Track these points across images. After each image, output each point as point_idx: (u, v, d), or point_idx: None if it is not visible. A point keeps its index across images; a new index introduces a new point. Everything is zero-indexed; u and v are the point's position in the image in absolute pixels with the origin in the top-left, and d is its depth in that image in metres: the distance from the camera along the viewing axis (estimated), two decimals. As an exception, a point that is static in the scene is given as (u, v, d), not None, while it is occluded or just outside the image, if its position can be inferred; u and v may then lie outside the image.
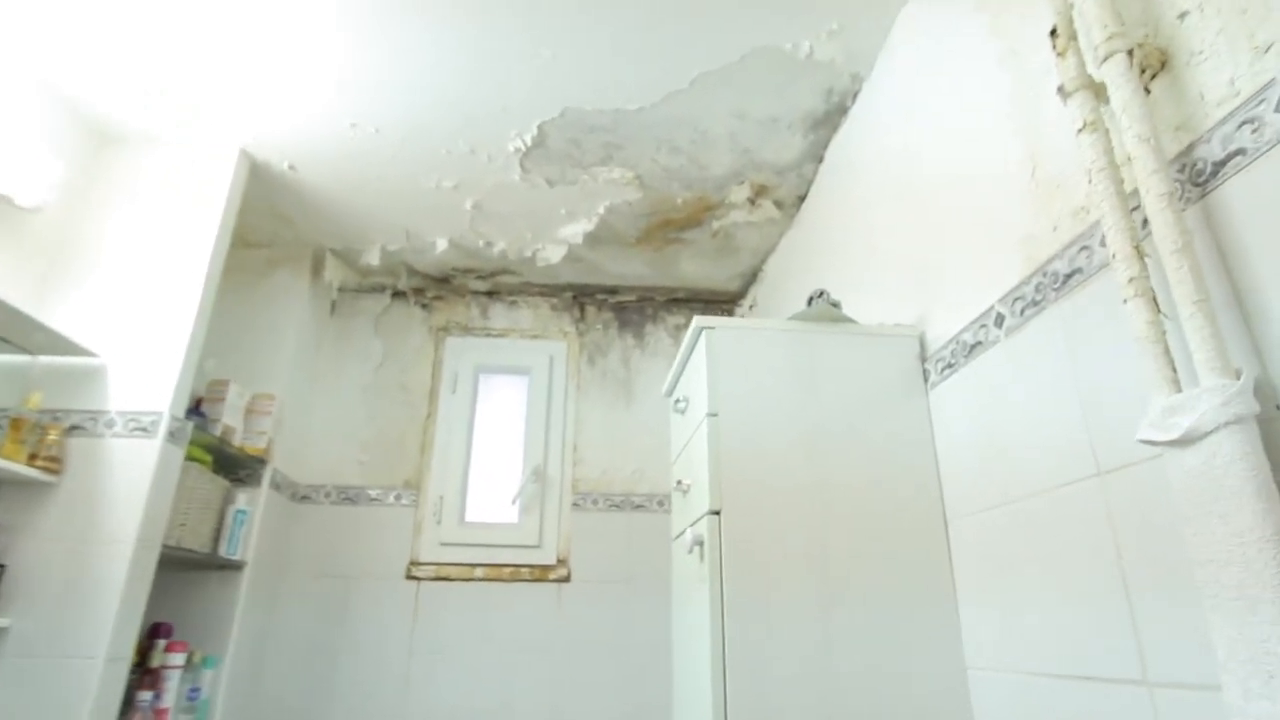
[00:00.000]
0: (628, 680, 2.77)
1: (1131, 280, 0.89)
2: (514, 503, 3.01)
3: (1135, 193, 0.95)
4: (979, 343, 1.37)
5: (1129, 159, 0.93)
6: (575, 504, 3.03)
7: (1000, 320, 1.30)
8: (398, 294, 3.35)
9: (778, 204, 2.67)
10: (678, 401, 1.76)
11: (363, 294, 3.33)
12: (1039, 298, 1.19)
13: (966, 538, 1.38)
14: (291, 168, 2.46)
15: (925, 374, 1.57)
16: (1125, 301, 0.90)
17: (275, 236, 2.91)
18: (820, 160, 2.42)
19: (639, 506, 3.04)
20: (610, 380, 3.28)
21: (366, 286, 3.30)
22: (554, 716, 2.73)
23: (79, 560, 1.84)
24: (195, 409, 2.38)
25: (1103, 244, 1.04)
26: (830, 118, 2.23)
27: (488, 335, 3.33)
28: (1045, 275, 1.18)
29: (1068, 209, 1.15)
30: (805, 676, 1.30)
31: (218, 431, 2.40)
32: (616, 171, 2.48)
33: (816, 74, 2.06)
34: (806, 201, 2.62)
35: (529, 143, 2.33)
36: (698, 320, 1.58)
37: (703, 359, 1.56)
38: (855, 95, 2.13)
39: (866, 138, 2.07)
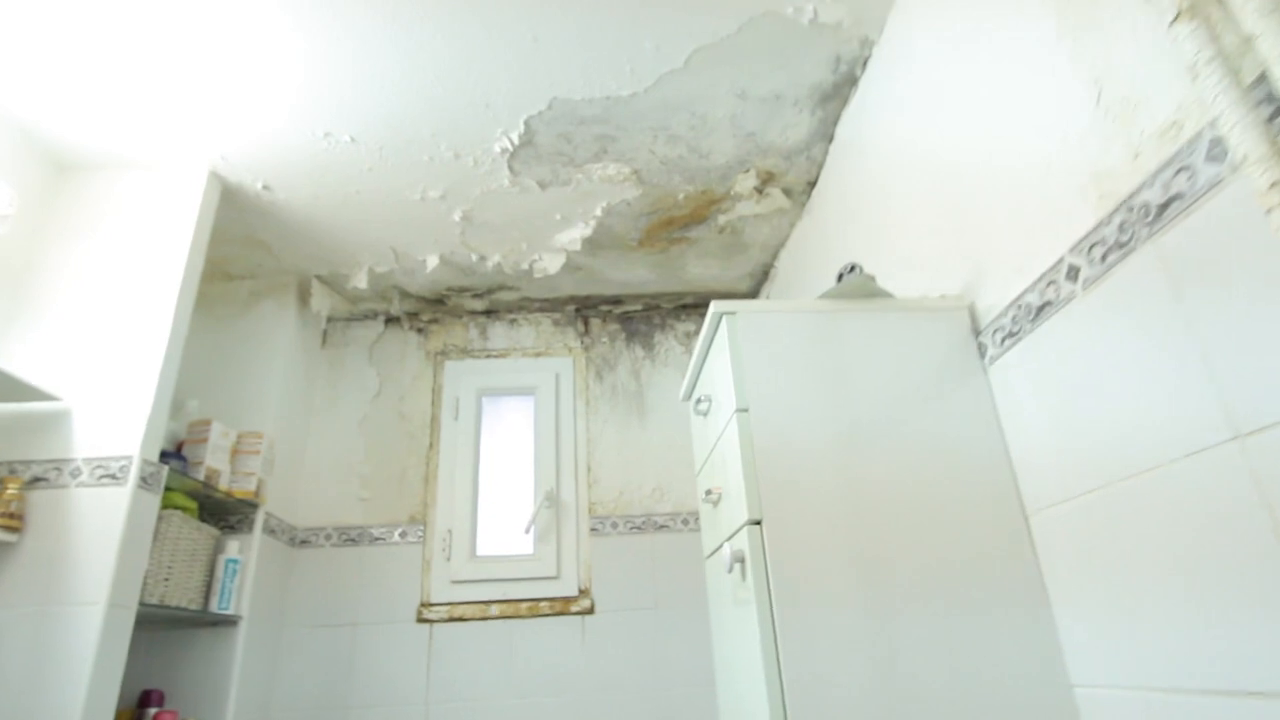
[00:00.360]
0: (665, 717, 2.54)
1: (1275, 184, 0.70)
2: (527, 531, 2.81)
3: (1261, 81, 0.76)
4: (1047, 303, 1.18)
5: (1249, 40, 0.75)
6: (594, 529, 2.82)
7: (1074, 273, 1.11)
8: (391, 320, 3.18)
9: (787, 191, 2.50)
10: (699, 402, 1.57)
11: (354, 322, 3.16)
12: (1125, 239, 1.01)
13: (1054, 532, 1.17)
14: (266, 188, 2.31)
15: (981, 348, 1.38)
16: (1269, 212, 0.71)
17: (257, 266, 2.75)
18: (830, 139, 2.25)
19: (662, 527, 2.83)
20: (621, 395, 3.10)
21: (358, 314, 3.14)
22: (585, 763, 2.50)
23: (45, 627, 1.64)
24: (175, 452, 2.20)
25: (1210, 159, 0.85)
26: (839, 89, 2.06)
27: (488, 356, 3.15)
28: (1131, 211, 1.00)
29: (1152, 129, 0.97)
30: (875, 697, 1.09)
31: (201, 475, 2.22)
32: (612, 167, 2.32)
33: (822, 40, 1.90)
34: (818, 186, 2.45)
35: (516, 141, 2.17)
36: (716, 306, 1.40)
37: (725, 349, 1.37)
38: (865, 62, 1.96)
39: (882, 104, 1.90)
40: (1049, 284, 1.17)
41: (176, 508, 2.16)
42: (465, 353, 3.15)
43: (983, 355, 1.37)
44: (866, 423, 1.31)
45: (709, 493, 1.47)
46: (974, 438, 1.30)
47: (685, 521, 2.84)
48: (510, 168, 2.28)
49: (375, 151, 2.18)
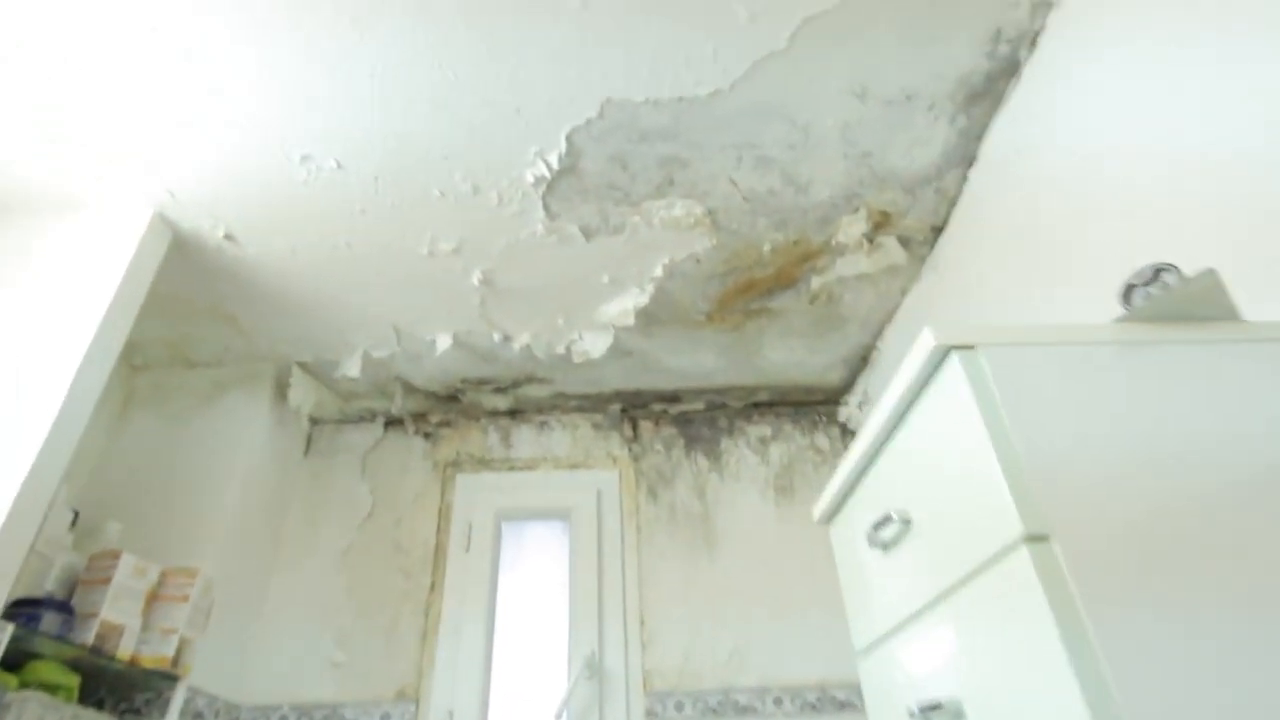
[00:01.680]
0: None
1: None
2: (560, 717, 2.00)
3: None
4: None
5: None
6: (650, 713, 2.00)
7: None
8: (392, 422, 2.55)
9: (904, 241, 1.90)
10: (879, 527, 0.87)
11: (347, 425, 2.54)
12: None
13: None
14: (229, 238, 1.77)
15: None
16: None
17: (224, 350, 2.18)
18: (972, 161, 1.67)
19: (745, 709, 2.01)
20: (682, 519, 2.37)
21: (351, 414, 2.52)
22: None
23: None
24: (60, 602, 1.52)
25: None
26: (993, 84, 1.50)
27: (511, 469, 2.47)
28: None
29: None
30: None
31: (90, 635, 1.52)
32: (680, 205, 1.75)
33: (977, 9, 1.36)
34: (947, 232, 1.85)
35: (555, 166, 1.62)
36: (935, 338, 0.74)
37: (969, 414, 0.69)
38: (1035, 39, 1.41)
39: (1060, 100, 1.33)
40: None
41: (41, 685, 1.45)
42: (483, 464, 2.48)
43: None
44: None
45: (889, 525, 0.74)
46: None
47: (778, 701, 2.01)
48: (546, 206, 1.73)
49: (369, 183, 1.65)
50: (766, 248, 1.89)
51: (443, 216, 1.75)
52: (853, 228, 1.84)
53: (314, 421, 2.53)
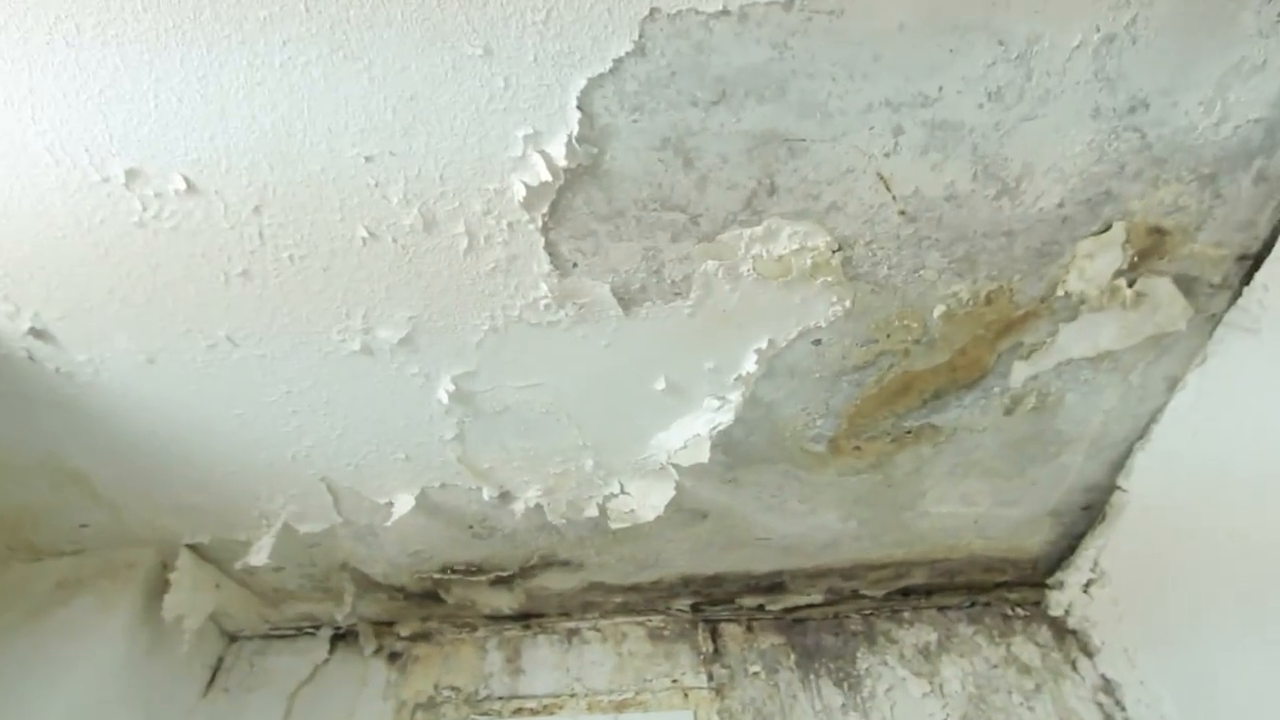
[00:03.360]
0: None
1: None
2: None
3: None
4: None
5: None
6: None
7: None
8: (343, 635, 1.68)
9: (1186, 284, 1.07)
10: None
11: (276, 642, 1.68)
12: None
13: None
14: (38, 333, 1.07)
15: None
16: None
17: (79, 530, 1.42)
18: (1339, 112, 0.89)
19: None
20: (809, 806, 1.35)
21: (285, 626, 1.67)
22: None
23: None
24: None
25: None
26: None
27: (519, 712, 1.53)
28: None
29: None
30: None
31: None
32: (786, 234, 0.99)
33: None
34: (1270, 264, 1.03)
35: (562, 161, 0.90)
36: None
37: None
38: None
39: None
40: None
41: None
42: (473, 705, 1.55)
43: None
44: None
45: None
46: None
47: None
48: (551, 248, 0.99)
49: (246, 221, 0.95)
50: (938, 312, 1.09)
51: (377, 277, 1.02)
52: (1096, 260, 1.03)
53: (230, 638, 1.68)
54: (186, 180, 0.91)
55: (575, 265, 1.02)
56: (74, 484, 1.33)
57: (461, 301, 1.05)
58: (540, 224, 0.96)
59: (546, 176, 0.91)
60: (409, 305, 1.05)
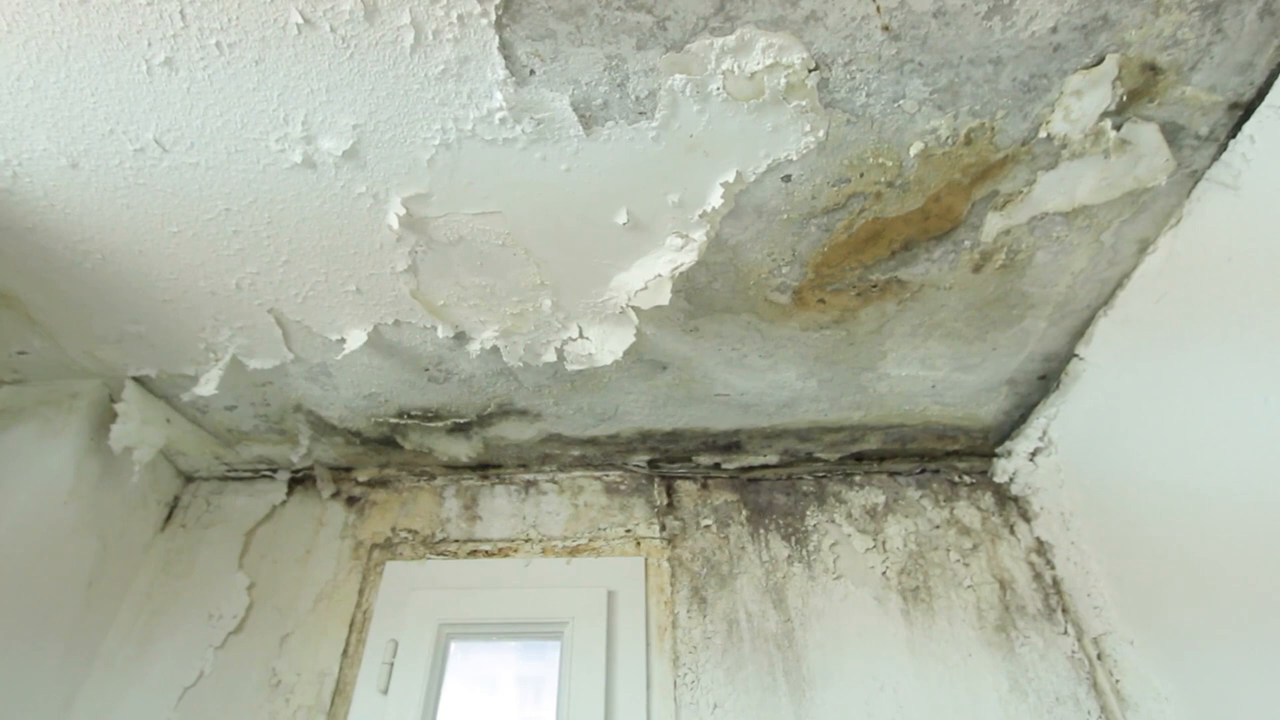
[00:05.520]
0: None
1: None
2: None
3: None
4: None
5: None
6: None
7: None
8: (300, 479, 1.69)
9: (1171, 132, 1.03)
10: None
11: (234, 483, 1.68)
12: None
13: None
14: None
15: None
16: None
17: (17, 358, 1.37)
18: (1362, -68, 0.82)
19: None
20: (748, 640, 1.43)
21: (242, 468, 1.67)
22: None
23: None
24: None
25: None
26: None
27: (475, 555, 1.57)
28: None
29: None
30: None
31: None
32: (760, 47, 0.91)
33: None
34: (1262, 112, 0.98)
35: (515, -65, 0.81)
36: None
37: None
38: None
39: None
40: None
41: None
42: (429, 545, 1.58)
43: None
44: None
45: None
46: None
47: None
48: (505, 47, 0.91)
49: (155, -15, 0.85)
50: (915, 150, 1.03)
51: (316, 74, 0.93)
52: (1084, 99, 0.98)
53: (187, 478, 1.68)
54: (90, -63, 0.81)
55: (532, 73, 0.94)
56: (4, 305, 1.27)
57: (410, 110, 0.98)
58: (494, 18, 0.88)
59: (499, -44, 0.82)
60: (353, 110, 0.97)
